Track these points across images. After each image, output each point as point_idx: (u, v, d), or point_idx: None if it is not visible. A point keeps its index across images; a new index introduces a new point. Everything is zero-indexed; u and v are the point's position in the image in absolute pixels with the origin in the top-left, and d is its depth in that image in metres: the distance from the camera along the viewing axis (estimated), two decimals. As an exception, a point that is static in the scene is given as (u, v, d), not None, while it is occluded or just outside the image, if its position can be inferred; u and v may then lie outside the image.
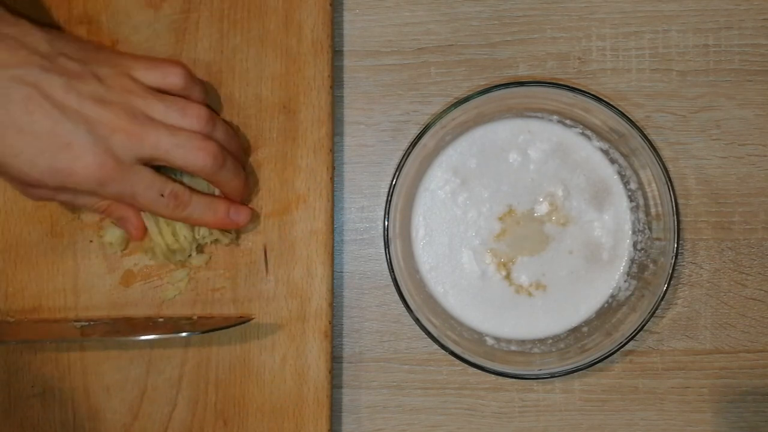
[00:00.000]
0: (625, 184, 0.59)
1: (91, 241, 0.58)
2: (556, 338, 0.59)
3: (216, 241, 0.57)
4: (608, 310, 0.59)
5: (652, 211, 0.58)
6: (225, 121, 0.56)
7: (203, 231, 0.57)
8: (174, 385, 0.58)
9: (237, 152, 0.56)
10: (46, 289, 0.58)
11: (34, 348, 0.58)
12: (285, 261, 0.58)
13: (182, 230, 0.56)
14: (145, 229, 0.55)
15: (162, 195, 0.52)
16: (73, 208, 0.57)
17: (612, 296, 0.59)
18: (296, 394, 0.58)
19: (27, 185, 0.51)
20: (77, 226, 0.58)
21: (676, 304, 0.61)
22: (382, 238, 0.56)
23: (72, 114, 0.49)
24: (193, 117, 0.52)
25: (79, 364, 0.58)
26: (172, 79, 0.53)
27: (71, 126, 0.49)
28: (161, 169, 0.54)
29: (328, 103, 0.58)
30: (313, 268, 0.58)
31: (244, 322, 0.57)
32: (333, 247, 0.59)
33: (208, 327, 0.56)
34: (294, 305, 0.58)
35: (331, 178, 0.58)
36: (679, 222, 0.56)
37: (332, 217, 0.58)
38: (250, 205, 0.58)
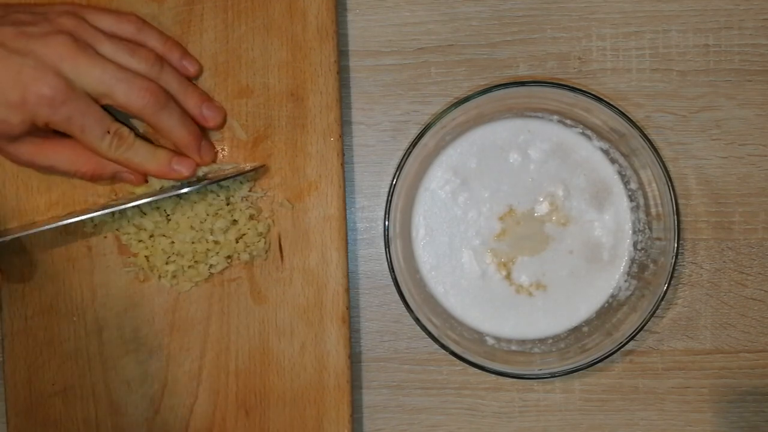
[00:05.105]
0: (626, 183, 0.59)
1: (105, 237, 0.58)
2: (557, 338, 0.59)
3: (251, 257, 0.58)
4: (608, 309, 0.59)
5: (653, 211, 0.58)
6: (187, 78, 0.57)
7: (239, 247, 0.57)
8: (194, 377, 0.58)
9: (192, 101, 0.56)
10: (62, 286, 0.58)
11: (53, 345, 0.58)
12: (299, 248, 0.58)
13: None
14: (144, 174, 0.56)
15: (108, 132, 0.53)
16: (62, 175, 0.57)
17: (612, 296, 0.59)
18: (317, 380, 0.58)
19: None
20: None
21: (676, 304, 0.61)
22: (383, 238, 0.56)
23: (22, 51, 0.51)
24: (141, 57, 0.54)
25: (99, 360, 0.58)
26: (125, 25, 0.55)
27: (20, 60, 0.51)
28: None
29: (336, 89, 0.58)
30: (327, 255, 0.58)
31: (256, 169, 0.57)
32: (347, 232, 0.59)
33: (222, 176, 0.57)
34: (311, 292, 0.58)
35: (341, 164, 0.58)
36: (679, 222, 0.56)
37: (344, 202, 0.58)
38: (259, 190, 0.58)
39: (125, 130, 0.54)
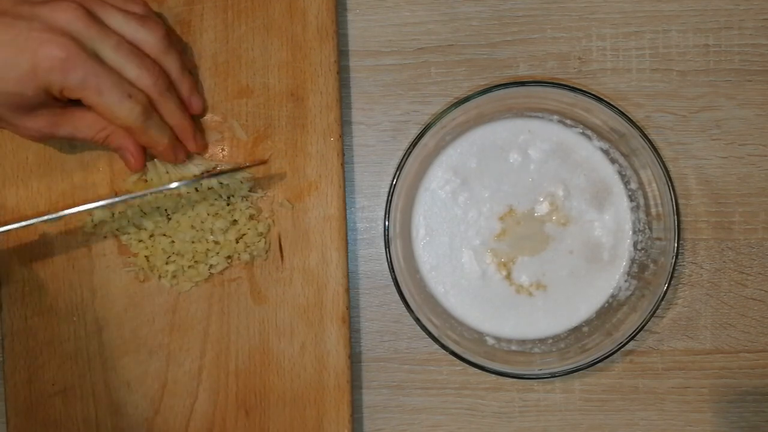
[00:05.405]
0: (626, 183, 0.59)
1: (105, 237, 0.58)
2: (557, 338, 0.59)
3: (251, 257, 0.58)
4: (608, 309, 0.59)
5: (653, 211, 0.58)
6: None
7: (239, 247, 0.58)
8: (194, 377, 0.58)
9: (186, 86, 0.56)
10: (62, 286, 0.58)
11: (53, 345, 0.58)
12: (300, 248, 0.58)
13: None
14: (143, 159, 0.55)
15: (130, 96, 0.52)
16: (80, 142, 0.56)
17: (612, 296, 0.59)
18: (317, 380, 0.58)
19: (13, 110, 0.51)
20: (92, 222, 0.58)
21: (676, 304, 0.61)
22: (383, 238, 0.56)
23: (26, 16, 0.49)
24: (151, 29, 0.53)
25: (99, 360, 0.58)
26: (132, 7, 0.53)
27: (26, 24, 0.49)
28: None
29: (336, 89, 0.58)
30: (327, 255, 0.58)
31: (259, 164, 0.58)
32: (347, 232, 0.59)
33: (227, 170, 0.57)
34: (311, 292, 0.58)
35: (341, 164, 0.58)
36: (679, 222, 0.56)
37: (344, 202, 0.59)
38: (260, 190, 0.58)
39: (145, 97, 0.53)
